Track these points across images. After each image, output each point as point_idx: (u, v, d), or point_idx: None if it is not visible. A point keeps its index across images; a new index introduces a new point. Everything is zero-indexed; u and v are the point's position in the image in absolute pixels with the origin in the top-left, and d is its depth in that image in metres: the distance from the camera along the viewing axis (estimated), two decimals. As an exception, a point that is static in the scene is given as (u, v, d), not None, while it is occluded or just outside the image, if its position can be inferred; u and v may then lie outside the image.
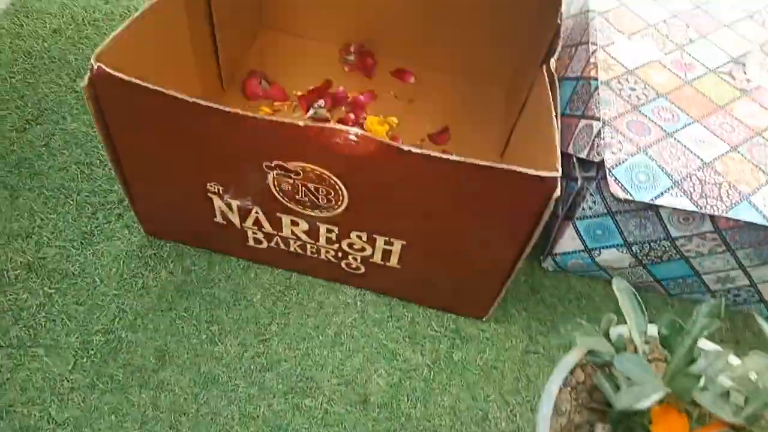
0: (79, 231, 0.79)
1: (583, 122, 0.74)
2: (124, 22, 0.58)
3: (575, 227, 0.75)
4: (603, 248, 0.76)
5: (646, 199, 0.65)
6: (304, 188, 0.60)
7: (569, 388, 0.51)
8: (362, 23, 0.99)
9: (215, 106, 0.52)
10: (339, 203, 0.61)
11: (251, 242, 0.74)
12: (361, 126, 0.90)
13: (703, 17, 0.90)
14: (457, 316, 0.77)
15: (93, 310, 0.73)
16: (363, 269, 0.73)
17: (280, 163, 0.57)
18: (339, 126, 0.52)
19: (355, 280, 0.77)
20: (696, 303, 0.67)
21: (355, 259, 0.72)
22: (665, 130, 0.71)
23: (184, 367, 0.70)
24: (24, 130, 0.88)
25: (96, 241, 0.78)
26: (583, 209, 0.73)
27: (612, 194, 0.66)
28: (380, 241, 0.66)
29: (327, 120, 0.90)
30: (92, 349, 0.70)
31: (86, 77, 0.53)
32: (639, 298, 0.49)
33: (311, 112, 0.90)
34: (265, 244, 0.73)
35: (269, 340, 0.73)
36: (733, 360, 0.48)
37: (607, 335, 0.49)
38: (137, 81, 0.52)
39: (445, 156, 0.53)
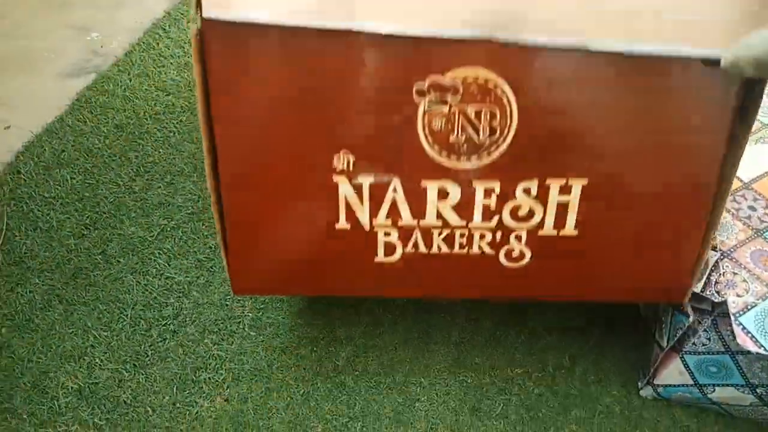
0: (132, 351, 0.74)
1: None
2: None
3: (684, 361, 0.65)
4: (718, 386, 0.65)
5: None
6: (462, 119, 0.52)
7: None
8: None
9: (355, 29, 0.47)
10: (504, 133, 0.53)
11: (381, 256, 0.60)
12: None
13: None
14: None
15: (143, 446, 0.67)
16: (527, 260, 0.60)
17: (436, 80, 0.51)
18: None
19: (513, 287, 0.63)
20: None
21: (519, 240, 0.59)
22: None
23: None
24: (82, 236, 0.85)
25: (149, 363, 0.74)
26: (695, 344, 0.63)
27: (738, 344, 0.55)
28: (554, 191, 0.56)
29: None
30: (141, 496, 0.64)
31: (194, 28, 0.48)
32: None
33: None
34: (398, 254, 0.60)
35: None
36: None
37: None
38: (260, 20, 0.47)
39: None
